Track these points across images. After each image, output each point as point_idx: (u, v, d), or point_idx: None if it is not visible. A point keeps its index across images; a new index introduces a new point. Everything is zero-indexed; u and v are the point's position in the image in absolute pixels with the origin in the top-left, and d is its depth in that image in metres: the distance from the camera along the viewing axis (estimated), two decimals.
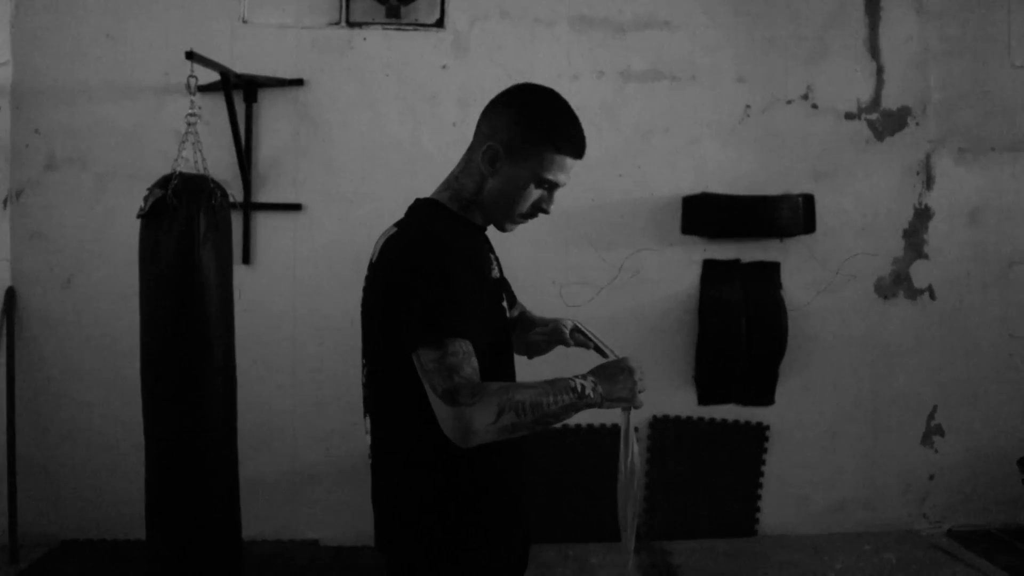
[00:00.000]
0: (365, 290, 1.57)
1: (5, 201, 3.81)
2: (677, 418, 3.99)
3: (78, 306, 3.83)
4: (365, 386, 1.62)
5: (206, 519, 3.03)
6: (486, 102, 4.22)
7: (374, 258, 1.58)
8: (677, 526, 3.93)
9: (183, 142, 3.10)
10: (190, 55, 3.07)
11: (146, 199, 2.95)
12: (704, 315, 3.94)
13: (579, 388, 1.47)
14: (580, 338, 1.83)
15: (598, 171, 3.94)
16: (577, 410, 1.48)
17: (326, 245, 3.87)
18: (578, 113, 4.07)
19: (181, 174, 2.96)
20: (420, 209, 1.65)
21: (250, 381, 3.61)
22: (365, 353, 1.60)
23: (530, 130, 1.55)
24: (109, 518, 3.79)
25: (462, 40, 3.90)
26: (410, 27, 3.88)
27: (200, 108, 3.76)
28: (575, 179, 3.85)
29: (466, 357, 1.42)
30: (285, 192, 3.86)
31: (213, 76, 3.55)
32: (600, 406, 1.51)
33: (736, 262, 3.97)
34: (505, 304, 1.70)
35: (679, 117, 3.95)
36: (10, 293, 3.81)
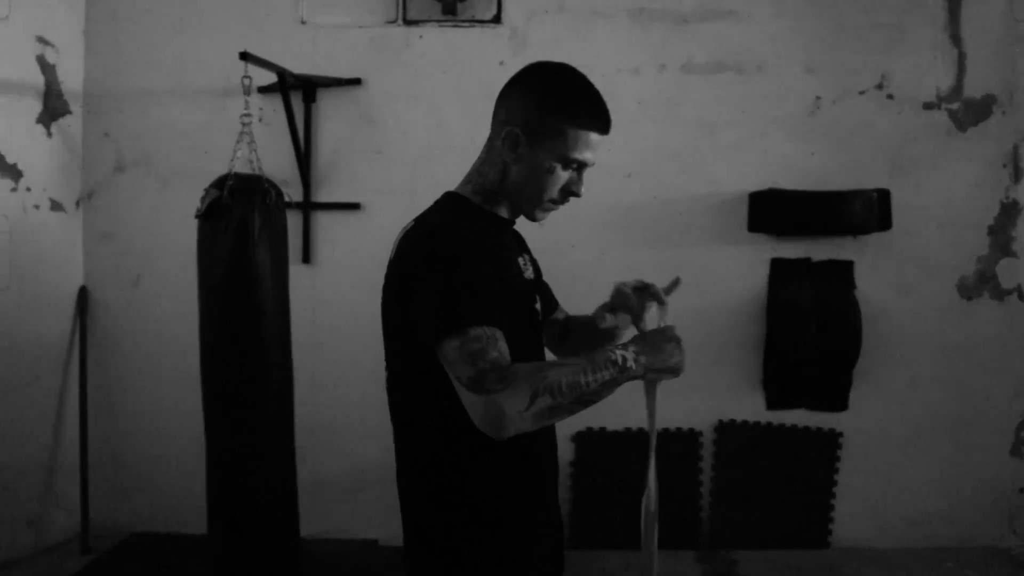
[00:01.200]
0: (383, 289, 1.48)
1: (77, 203, 3.93)
2: (744, 423, 3.84)
3: (145, 304, 3.92)
4: (388, 392, 1.54)
5: (264, 515, 3.05)
6: None
7: (392, 255, 1.51)
8: (742, 535, 3.78)
9: (238, 143, 3.14)
10: (244, 56, 3.10)
11: (203, 200, 2.99)
12: (772, 316, 3.78)
13: (620, 360, 1.36)
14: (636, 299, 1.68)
15: (660, 167, 3.83)
16: (619, 384, 1.37)
17: (384, 243, 3.83)
18: (638, 108, 4.01)
19: (236, 174, 2.99)
20: (440, 202, 1.57)
21: (310, 379, 3.63)
22: (386, 356, 1.52)
23: (549, 108, 1.45)
24: (176, 512, 3.86)
25: (519, 35, 3.84)
26: (466, 23, 3.85)
27: (261, 109, 3.87)
28: (637, 176, 3.82)
29: (491, 342, 1.31)
30: (344, 191, 3.87)
31: (273, 77, 3.59)
32: (643, 378, 1.42)
33: (806, 261, 3.79)
34: (538, 307, 1.61)
35: (744, 110, 3.80)
36: (82, 292, 3.93)
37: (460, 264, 1.36)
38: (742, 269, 3.82)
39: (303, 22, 3.88)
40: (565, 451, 3.84)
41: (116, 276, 3.95)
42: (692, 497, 3.82)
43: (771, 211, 3.73)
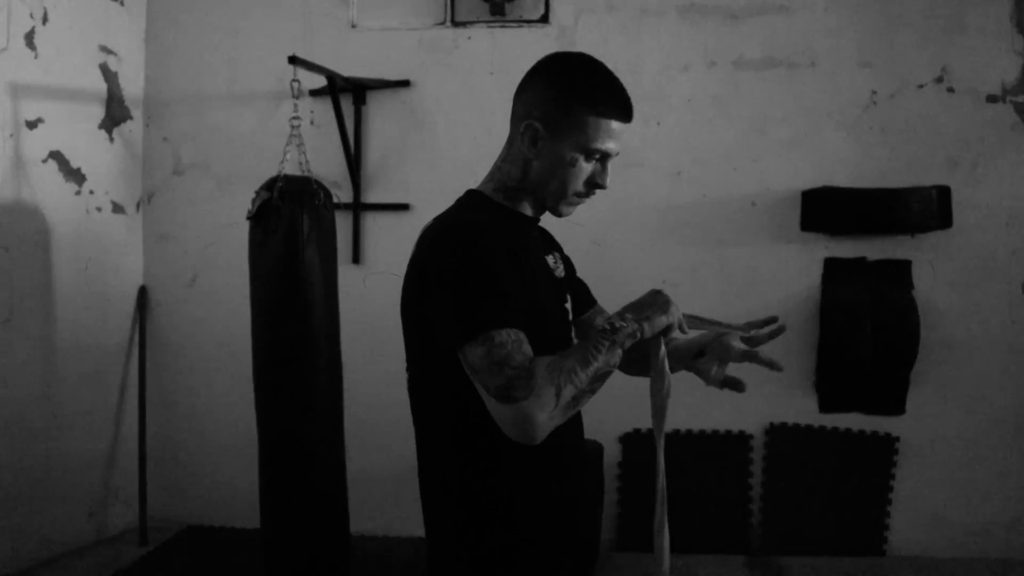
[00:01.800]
0: (403, 288, 1.44)
1: (138, 205, 4.06)
2: (796, 426, 3.75)
3: (201, 303, 4.02)
4: (409, 392, 1.51)
5: (314, 512, 3.10)
6: None
7: (413, 253, 1.46)
8: (794, 540, 3.69)
9: (288, 145, 3.20)
10: (293, 60, 3.16)
11: (254, 201, 3.06)
12: (826, 317, 3.69)
13: (608, 327, 1.33)
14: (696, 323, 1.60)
15: (710, 166, 3.78)
16: (622, 347, 1.33)
17: None
18: (688, 106, 3.95)
19: (286, 176, 3.05)
20: (462, 200, 1.52)
21: (359, 376, 3.68)
22: (407, 356, 1.48)
23: (567, 98, 1.41)
24: (230, 506, 3.95)
25: (567, 35, 3.83)
26: (514, 24, 3.85)
27: (312, 112, 3.93)
28: (686, 175, 3.77)
29: (516, 345, 1.28)
30: (393, 192, 3.91)
31: (324, 80, 3.64)
32: (642, 334, 1.36)
33: (862, 260, 3.69)
34: (568, 306, 1.57)
35: (797, 107, 3.72)
36: (142, 291, 4.05)
37: (480, 263, 1.33)
38: (795, 269, 3.74)
39: (353, 26, 3.94)
40: (613, 452, 3.82)
41: (174, 276, 4.07)
42: (742, 501, 3.76)
43: (825, 209, 3.65)
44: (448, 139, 3.90)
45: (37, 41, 3.48)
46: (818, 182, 3.67)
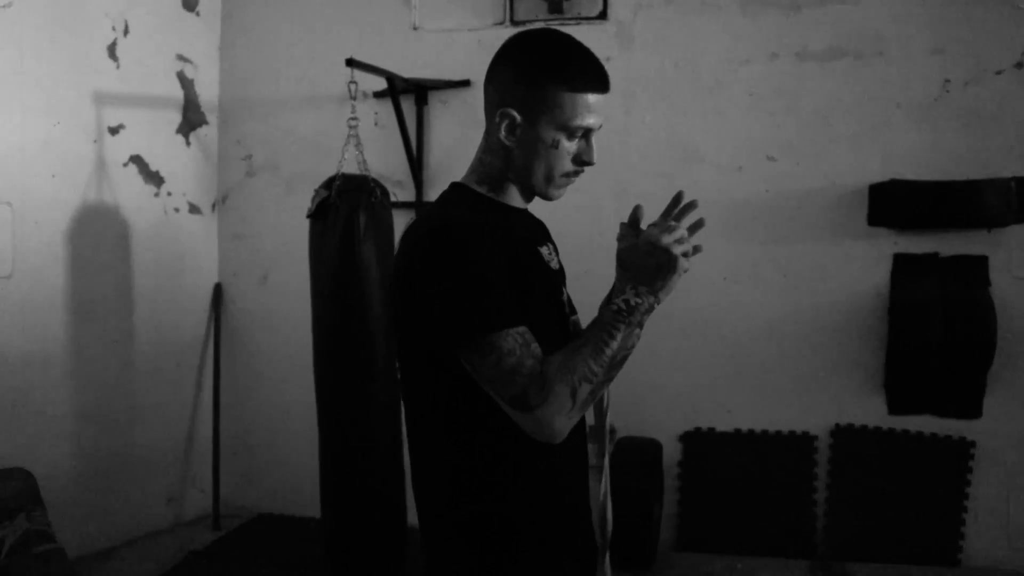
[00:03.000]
0: (391, 289, 1.41)
1: (213, 206, 4.25)
2: (863, 428, 3.62)
3: (271, 300, 4.18)
4: (402, 396, 1.46)
5: (372, 504, 3.18)
6: (651, 93, 4.08)
7: (396, 252, 1.42)
8: (861, 547, 3.56)
9: (346, 145, 3.30)
10: (350, 62, 3.25)
11: (313, 200, 3.17)
12: (895, 315, 3.55)
13: (623, 306, 1.27)
14: None
15: (772, 160, 3.69)
16: (640, 326, 1.29)
17: None
18: (750, 99, 3.87)
19: (343, 175, 3.15)
20: (446, 194, 1.46)
21: None
22: (398, 358, 1.43)
23: (537, 79, 1.34)
24: (299, 495, 4.08)
25: (625, 31, 3.81)
26: (572, 21, 3.85)
27: (376, 113, 4.04)
28: (747, 170, 3.69)
29: (524, 348, 1.24)
30: None
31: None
32: (659, 303, 1.31)
33: (933, 256, 3.54)
34: (565, 298, 1.52)
35: (864, 97, 3.59)
36: (217, 288, 4.24)
37: (473, 262, 1.27)
38: (862, 265, 3.61)
39: (415, 28, 4.02)
40: (672, 451, 3.77)
41: (246, 273, 4.24)
42: (806, 504, 3.65)
43: (893, 203, 3.51)
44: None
45: (119, 52, 3.69)
46: (886, 175, 3.54)
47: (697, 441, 3.79)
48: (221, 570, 3.52)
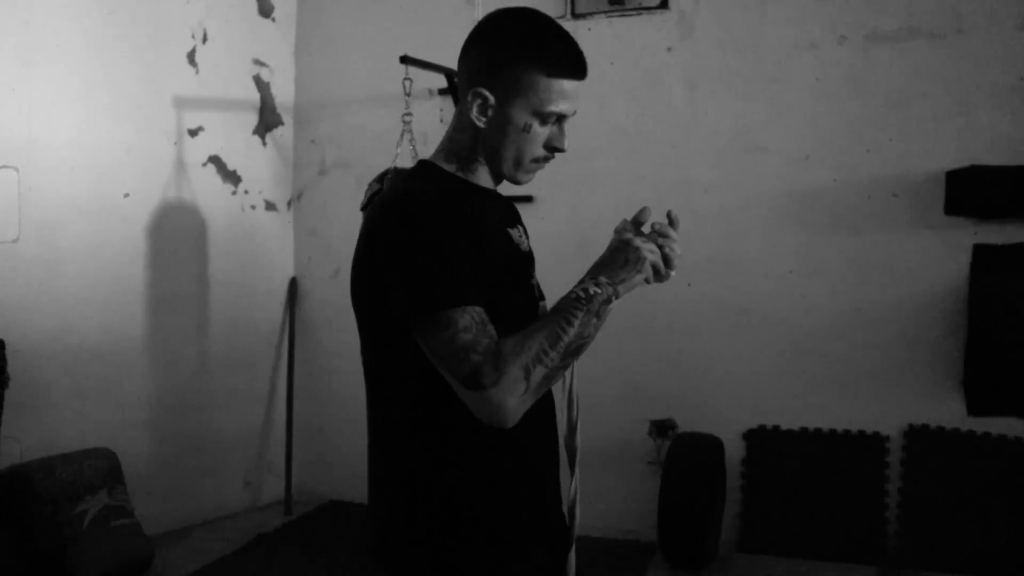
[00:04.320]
0: (352, 266, 1.36)
1: (289, 203, 4.42)
2: (940, 429, 3.42)
3: (343, 294, 4.26)
4: (364, 374, 1.43)
5: None
6: (713, 82, 3.99)
7: (361, 229, 1.39)
8: (935, 555, 3.36)
9: (400, 139, 3.37)
10: (404, 59, 3.32)
11: (366, 193, 3.25)
12: (975, 309, 3.34)
13: (581, 294, 1.24)
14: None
15: (840, 148, 3.55)
16: (599, 316, 1.25)
17: (555, 234, 3.92)
18: (817, 85, 3.75)
19: (395, 169, 3.22)
20: (412, 170, 1.43)
21: None
22: (360, 335, 1.39)
23: (512, 61, 1.30)
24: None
25: (687, 20, 3.73)
26: (633, 12, 3.81)
27: (442, 110, 4.12)
28: (815, 159, 3.56)
29: (480, 328, 1.21)
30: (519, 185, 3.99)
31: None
32: (617, 297, 1.26)
33: (1019, 247, 3.31)
34: (535, 282, 1.48)
35: (940, 80, 3.40)
36: (293, 282, 4.41)
37: (430, 237, 1.24)
38: (938, 257, 3.41)
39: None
40: (735, 449, 3.67)
41: (320, 268, 4.40)
42: (876, 508, 3.48)
43: (973, 191, 3.30)
44: (568, 130, 3.91)
45: (198, 59, 3.90)
46: (964, 161, 3.33)
47: (761, 439, 3.67)
48: (287, 552, 3.66)
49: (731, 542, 3.66)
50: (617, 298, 1.27)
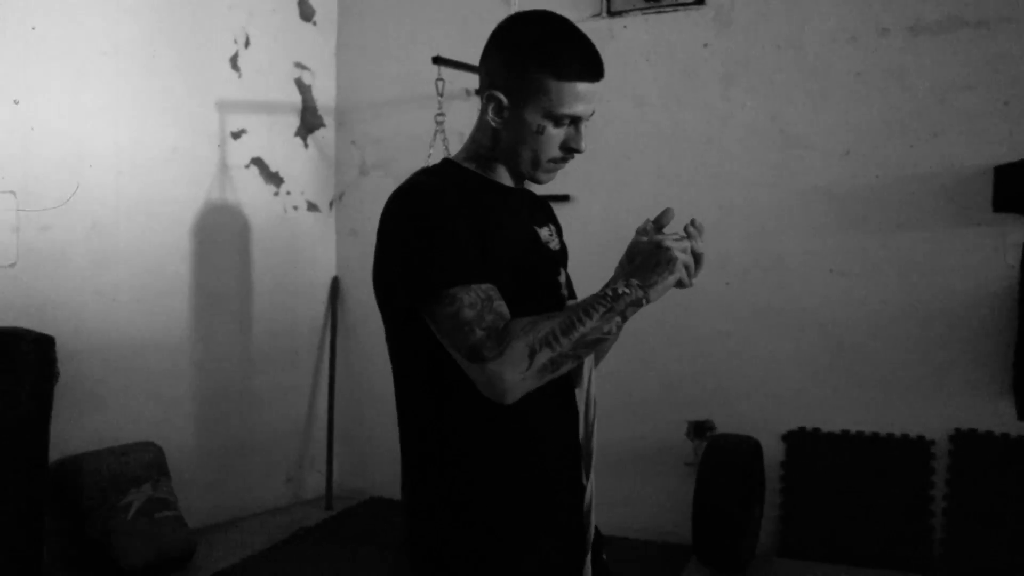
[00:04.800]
0: (374, 256, 1.39)
1: (330, 203, 4.50)
2: (988, 434, 3.30)
3: None
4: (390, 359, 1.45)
5: None
6: (751, 77, 3.93)
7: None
8: (984, 564, 3.24)
9: (433, 139, 3.40)
10: (436, 60, 3.35)
11: None
12: None
13: (609, 292, 1.26)
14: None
15: (882, 143, 3.45)
16: (622, 316, 1.26)
17: (592, 233, 3.88)
18: (857, 79, 3.66)
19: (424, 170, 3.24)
20: (433, 166, 1.48)
21: None
22: (383, 322, 1.42)
23: (523, 63, 1.32)
24: None
25: (724, 14, 3.68)
26: (670, 8, 3.77)
27: (479, 110, 4.12)
28: (855, 155, 3.47)
29: (487, 304, 1.23)
30: (555, 184, 3.92)
31: None
32: (647, 301, 1.27)
33: None
34: (562, 279, 1.49)
35: (986, 71, 3.28)
36: (335, 282, 4.49)
37: (435, 222, 1.27)
38: (986, 255, 3.30)
39: None
40: (775, 451, 3.61)
41: (361, 268, 4.44)
42: (921, 515, 3.37)
43: (1023, 186, 3.18)
44: (604, 129, 3.89)
45: (240, 63, 3.99)
46: (1013, 155, 3.21)
47: (801, 441, 3.59)
48: (326, 546, 3.73)
49: (770, 546, 3.59)
50: (648, 302, 1.28)
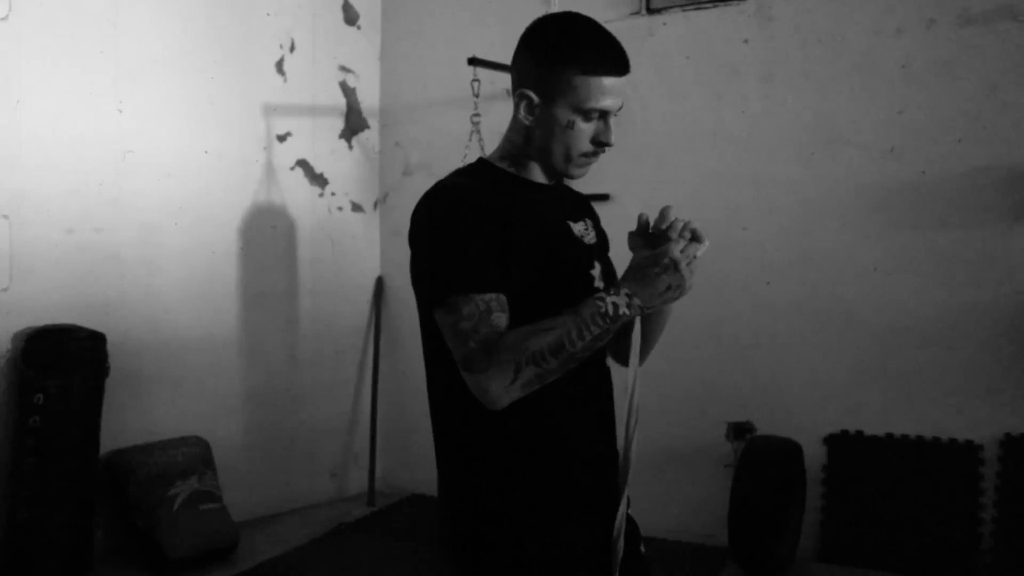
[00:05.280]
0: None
1: (375, 204, 4.57)
2: None
3: None
4: None
5: None
6: (793, 73, 3.87)
7: None
8: None
9: (468, 142, 3.42)
10: (472, 61, 3.38)
11: None
12: None
13: (610, 311, 1.27)
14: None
15: (928, 139, 3.35)
16: (614, 333, 1.30)
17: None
18: (902, 73, 3.58)
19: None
20: (467, 167, 1.55)
21: None
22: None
23: (551, 61, 1.38)
24: None
25: (764, 9, 3.61)
26: (709, 4, 3.72)
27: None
28: (901, 151, 3.39)
29: (484, 316, 1.28)
30: (594, 183, 3.94)
31: None
32: (643, 315, 1.32)
33: None
34: (596, 272, 1.51)
35: None
36: (379, 281, 4.56)
37: (456, 224, 1.33)
38: None
39: None
40: (816, 454, 3.53)
41: (405, 268, 4.46)
42: (969, 523, 3.26)
43: None
44: (644, 127, 3.88)
45: (286, 67, 4.09)
46: None
47: (843, 444, 3.51)
48: (366, 541, 3.79)
49: (811, 551, 3.52)
50: (642, 315, 1.32)
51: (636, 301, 1.29)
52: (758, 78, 3.63)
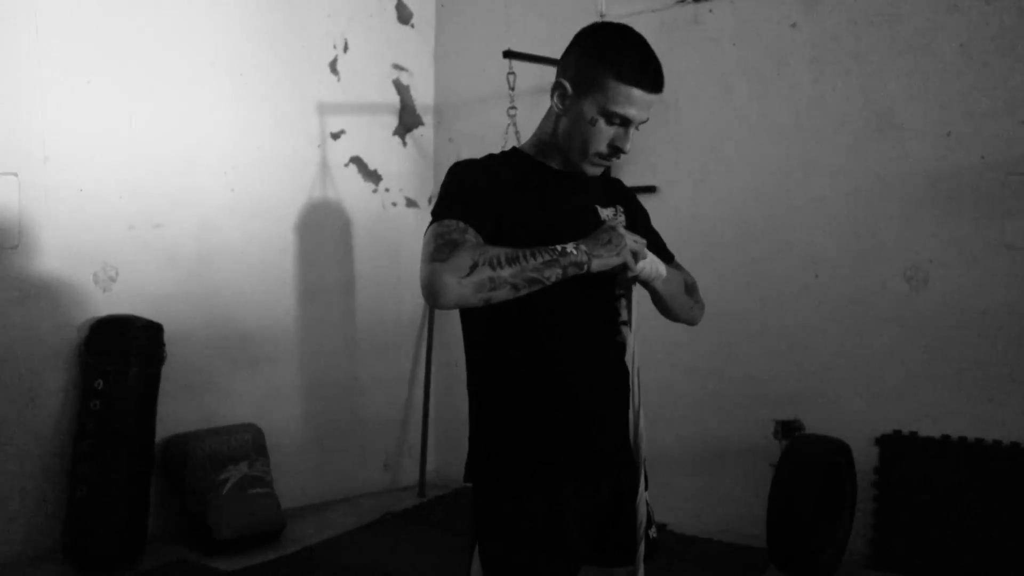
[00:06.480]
0: None
1: (429, 199, 4.64)
2: None
3: None
4: None
5: None
6: (842, 56, 3.74)
7: None
8: None
9: (506, 132, 3.44)
10: (507, 54, 3.39)
11: None
12: None
13: (559, 248, 1.42)
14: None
15: (988, 121, 3.16)
16: (562, 268, 1.41)
17: (677, 225, 3.80)
18: (960, 52, 3.43)
19: None
20: (494, 153, 1.72)
21: None
22: None
23: (592, 61, 1.50)
24: None
25: None
26: None
27: None
28: (958, 135, 3.22)
29: (460, 231, 1.42)
30: (641, 175, 3.92)
31: None
32: (588, 268, 1.44)
33: None
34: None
35: None
36: None
37: (461, 179, 1.52)
38: None
39: (602, 15, 4.02)
40: (867, 455, 3.37)
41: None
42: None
43: None
44: (690, 118, 3.80)
45: (339, 67, 4.21)
46: None
47: (897, 446, 3.34)
48: (411, 530, 3.86)
49: (861, 556, 3.36)
50: (589, 269, 1.44)
51: (582, 247, 1.44)
52: (806, 63, 3.50)
